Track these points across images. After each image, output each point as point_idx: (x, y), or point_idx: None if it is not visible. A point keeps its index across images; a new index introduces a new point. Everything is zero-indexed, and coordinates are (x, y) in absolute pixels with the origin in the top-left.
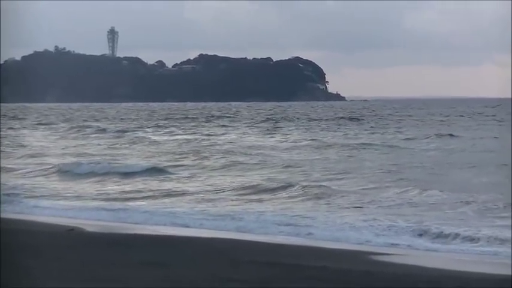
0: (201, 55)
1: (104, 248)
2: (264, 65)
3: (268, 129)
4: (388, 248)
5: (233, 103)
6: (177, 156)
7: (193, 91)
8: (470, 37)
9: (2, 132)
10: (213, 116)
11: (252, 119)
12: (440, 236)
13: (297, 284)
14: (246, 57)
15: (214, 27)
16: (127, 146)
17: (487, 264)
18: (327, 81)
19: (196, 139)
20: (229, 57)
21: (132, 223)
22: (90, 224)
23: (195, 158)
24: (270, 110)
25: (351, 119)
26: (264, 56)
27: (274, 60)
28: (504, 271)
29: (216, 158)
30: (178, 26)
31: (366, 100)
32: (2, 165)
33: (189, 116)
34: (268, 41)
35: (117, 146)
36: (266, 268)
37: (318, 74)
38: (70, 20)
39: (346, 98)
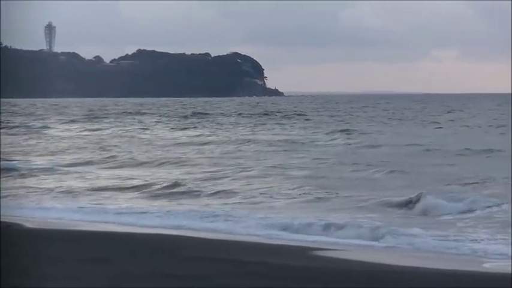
0: (139, 50)
1: (43, 243)
2: (203, 60)
3: (185, 125)
4: (328, 243)
5: (163, 99)
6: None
7: (131, 86)
8: (407, 33)
9: None
10: (130, 113)
11: (175, 114)
12: (374, 231)
13: (237, 280)
14: (184, 53)
15: (152, 23)
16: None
17: (422, 259)
18: (266, 77)
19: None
20: (168, 53)
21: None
22: (28, 220)
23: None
24: (201, 105)
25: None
26: (203, 52)
27: (212, 56)
28: (437, 265)
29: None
30: (115, 21)
31: (303, 96)
32: None
33: (111, 112)
34: (207, 36)
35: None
36: (207, 264)
37: (257, 70)
38: (7, 15)
39: (285, 94)
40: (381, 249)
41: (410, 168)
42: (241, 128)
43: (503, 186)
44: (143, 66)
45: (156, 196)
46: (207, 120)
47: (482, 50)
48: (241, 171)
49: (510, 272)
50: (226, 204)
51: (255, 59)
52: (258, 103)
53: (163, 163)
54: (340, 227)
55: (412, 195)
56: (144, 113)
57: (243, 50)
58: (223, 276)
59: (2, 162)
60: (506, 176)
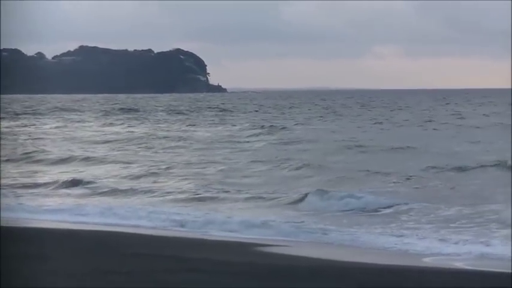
0: (81, 47)
1: None
2: (145, 56)
3: (110, 120)
4: (272, 239)
5: (100, 95)
6: None
7: (73, 83)
8: (349, 30)
9: None
10: (59, 109)
11: (103, 110)
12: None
13: (179, 276)
14: (127, 49)
15: (94, 19)
16: None
17: (369, 254)
18: (208, 73)
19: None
20: (110, 49)
21: None
22: None
23: None
24: (135, 101)
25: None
26: (145, 48)
27: (155, 52)
28: (379, 260)
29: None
30: (57, 17)
31: (246, 92)
32: None
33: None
34: (150, 32)
35: None
36: (149, 260)
37: (199, 66)
38: None
39: (228, 90)
40: (324, 245)
41: (325, 164)
42: (165, 124)
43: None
44: (85, 62)
45: (61, 194)
46: (133, 117)
47: (423, 46)
48: (154, 168)
49: (451, 266)
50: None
51: (197, 55)
52: (196, 99)
53: (72, 159)
54: (253, 225)
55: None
56: (73, 109)
57: (186, 46)
58: (166, 272)
59: None
60: (416, 174)
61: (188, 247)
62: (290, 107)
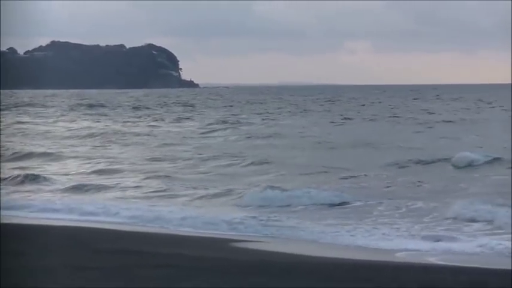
0: (53, 42)
1: None
2: (117, 52)
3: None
4: (248, 235)
5: (71, 90)
6: None
7: (45, 78)
8: (321, 26)
9: None
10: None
11: (70, 106)
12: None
13: (152, 271)
14: (98, 44)
15: (66, 14)
16: None
17: (341, 250)
18: (181, 68)
19: None
20: (82, 44)
21: None
22: None
23: None
24: (104, 97)
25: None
26: (117, 43)
27: (127, 47)
28: (351, 256)
29: None
30: (29, 12)
31: (218, 87)
32: None
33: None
34: (122, 28)
35: None
36: (123, 256)
37: (172, 61)
38: None
39: (201, 85)
40: (297, 240)
41: (283, 160)
42: (130, 119)
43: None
44: (57, 57)
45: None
46: (98, 113)
47: (395, 42)
48: (114, 164)
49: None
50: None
51: (170, 50)
52: (165, 95)
53: (32, 155)
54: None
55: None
56: (41, 105)
57: (158, 42)
58: (138, 267)
59: None
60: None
61: (161, 243)
62: (260, 103)
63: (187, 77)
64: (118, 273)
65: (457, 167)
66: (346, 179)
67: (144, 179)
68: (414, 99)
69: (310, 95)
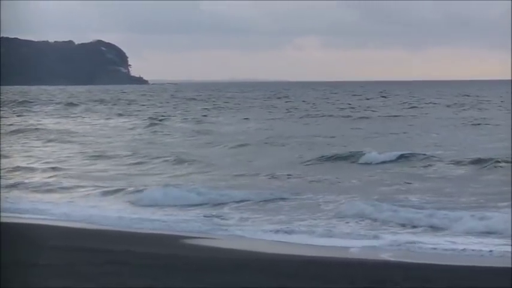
0: (1, 38)
1: None
2: (66, 48)
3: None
4: (196, 232)
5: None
6: None
7: None
8: (270, 22)
9: None
10: None
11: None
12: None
13: (101, 268)
14: (47, 41)
15: (15, 10)
16: None
17: (293, 246)
18: (130, 65)
19: None
20: (31, 41)
21: None
22: None
23: None
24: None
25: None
26: (66, 39)
27: (76, 44)
28: (303, 252)
29: None
30: None
31: (166, 84)
32: None
33: None
34: (71, 24)
35: None
36: (71, 253)
37: (121, 57)
38: None
39: (150, 82)
40: (247, 238)
41: (193, 158)
42: (53, 117)
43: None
44: (5, 54)
45: None
46: (22, 109)
47: (344, 38)
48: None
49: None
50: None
51: (119, 47)
52: (107, 91)
53: None
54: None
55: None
56: None
57: (108, 38)
58: (87, 264)
59: None
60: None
61: (109, 240)
62: (202, 100)
63: (137, 73)
64: (68, 270)
65: (362, 164)
66: (261, 176)
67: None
68: (353, 95)
69: (256, 91)
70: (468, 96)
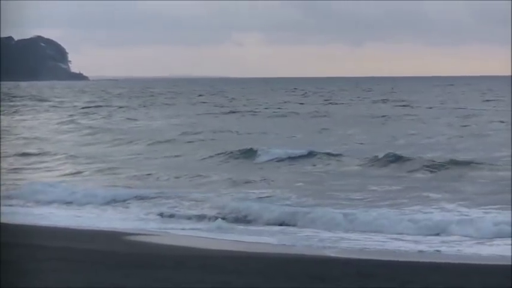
0: None
1: None
2: (5, 44)
3: None
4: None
5: None
6: None
7: None
8: (209, 17)
9: None
10: None
11: None
12: (173, 216)
13: (42, 265)
14: None
15: None
16: None
17: (225, 242)
18: (70, 61)
19: None
20: None
21: None
22: None
23: None
24: None
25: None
26: (5, 35)
27: (15, 40)
28: (240, 248)
29: None
30: None
31: (98, 80)
32: None
33: None
34: (10, 19)
35: None
36: (6, 250)
37: (61, 53)
38: None
39: (90, 78)
40: (186, 235)
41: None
42: None
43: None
44: None
45: None
46: None
47: (284, 35)
48: None
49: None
50: None
51: (59, 43)
52: (35, 87)
53: None
54: None
55: None
56: None
57: (46, 34)
58: (26, 261)
59: None
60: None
61: (47, 236)
62: (126, 97)
63: (77, 69)
64: (5, 267)
65: (257, 161)
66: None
67: None
68: (284, 91)
69: (194, 87)
70: (395, 92)
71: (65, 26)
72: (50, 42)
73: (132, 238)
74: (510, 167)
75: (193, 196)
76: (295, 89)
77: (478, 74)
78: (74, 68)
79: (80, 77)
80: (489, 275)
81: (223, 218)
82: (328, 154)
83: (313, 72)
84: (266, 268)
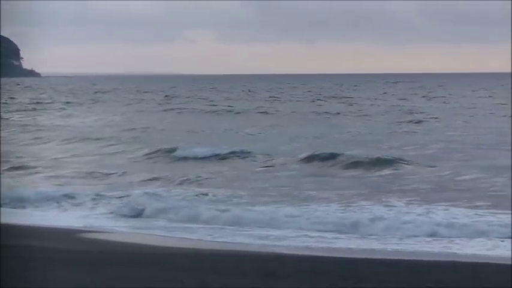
0: None
1: None
2: None
3: None
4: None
5: None
6: None
7: None
8: (161, 14)
9: None
10: None
11: None
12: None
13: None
14: None
15: None
16: None
17: (187, 240)
18: (22, 58)
19: None
20: None
21: None
22: None
23: None
24: None
25: None
26: None
27: None
28: (191, 245)
29: None
30: None
31: (59, 77)
32: None
33: None
34: None
35: None
36: None
37: (12, 50)
38: None
39: (42, 74)
40: (140, 232)
41: None
42: None
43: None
44: None
45: None
46: None
47: (236, 33)
48: None
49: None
50: None
51: (11, 39)
52: None
53: None
54: None
55: None
56: None
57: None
58: None
59: None
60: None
61: (7, 234)
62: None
63: (30, 66)
64: None
65: (176, 158)
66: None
67: None
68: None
69: (145, 85)
70: (342, 90)
71: (18, 23)
72: (1, 39)
73: (89, 236)
74: (434, 164)
75: (110, 194)
76: (244, 85)
77: (430, 72)
78: (27, 64)
79: (32, 73)
80: (440, 271)
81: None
82: (249, 153)
83: (266, 69)
84: (219, 265)
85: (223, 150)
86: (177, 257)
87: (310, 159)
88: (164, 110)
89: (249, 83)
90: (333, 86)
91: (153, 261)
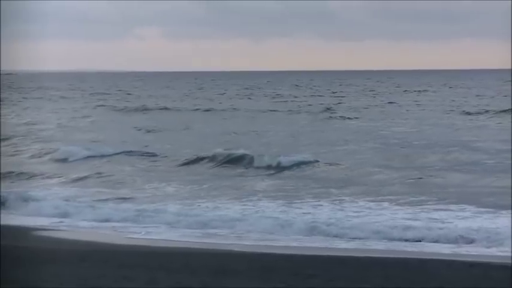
0: None
1: None
2: None
3: None
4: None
5: None
6: None
7: None
8: (110, 11)
9: None
10: None
11: None
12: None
13: None
14: None
15: None
16: None
17: (136, 238)
18: None
19: None
20: None
21: None
22: None
23: None
24: None
25: None
26: None
27: None
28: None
29: None
30: None
31: (10, 74)
32: None
33: None
34: None
35: None
36: None
37: None
38: None
39: (3, 71)
40: (91, 229)
41: None
42: None
43: None
44: None
45: None
46: None
47: (185, 29)
48: None
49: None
50: None
51: None
52: None
53: None
54: None
55: None
56: None
57: None
58: None
59: None
60: None
61: None
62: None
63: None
64: None
65: (56, 159)
66: None
67: None
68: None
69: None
70: (300, 87)
71: None
72: None
73: (39, 233)
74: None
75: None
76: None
77: (381, 69)
78: None
79: None
80: (390, 267)
81: None
82: (145, 154)
83: (216, 66)
84: (168, 262)
85: (116, 150)
86: (127, 255)
87: (199, 160)
88: (96, 107)
89: (198, 79)
90: (266, 84)
91: (103, 258)
